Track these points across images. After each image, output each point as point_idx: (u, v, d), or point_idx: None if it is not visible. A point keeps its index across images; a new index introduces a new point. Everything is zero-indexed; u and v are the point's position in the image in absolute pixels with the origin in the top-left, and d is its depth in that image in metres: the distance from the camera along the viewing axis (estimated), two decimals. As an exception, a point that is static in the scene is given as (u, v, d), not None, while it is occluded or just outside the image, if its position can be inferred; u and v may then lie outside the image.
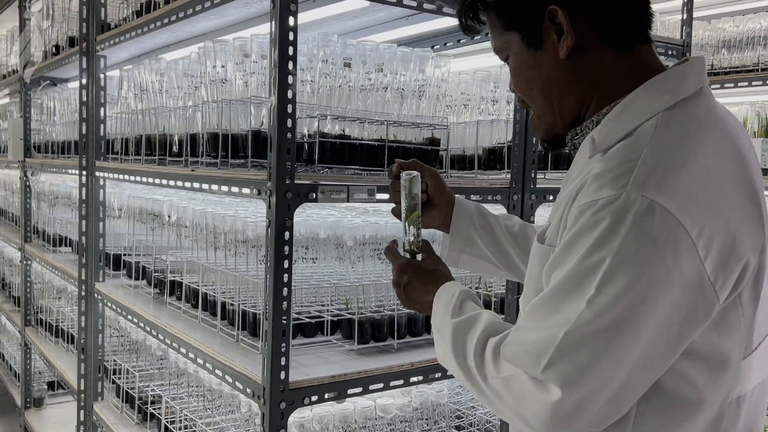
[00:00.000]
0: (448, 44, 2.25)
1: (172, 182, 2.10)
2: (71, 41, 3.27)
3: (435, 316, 1.18)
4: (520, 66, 1.09)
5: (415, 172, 1.33)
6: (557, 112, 1.09)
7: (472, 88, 2.32)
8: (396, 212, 1.42)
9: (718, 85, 3.24)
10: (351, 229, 1.99)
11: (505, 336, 1.00)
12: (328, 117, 1.80)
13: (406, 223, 1.33)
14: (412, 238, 1.32)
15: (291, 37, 1.55)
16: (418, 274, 1.27)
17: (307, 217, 2.09)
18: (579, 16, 1.01)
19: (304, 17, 1.91)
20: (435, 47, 2.29)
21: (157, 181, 2.20)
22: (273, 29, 1.56)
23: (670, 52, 2.38)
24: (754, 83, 3.11)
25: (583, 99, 1.06)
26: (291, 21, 1.55)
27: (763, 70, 3.20)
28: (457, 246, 1.46)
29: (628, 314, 0.87)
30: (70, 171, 3.12)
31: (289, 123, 1.57)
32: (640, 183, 0.88)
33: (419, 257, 1.31)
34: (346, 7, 1.81)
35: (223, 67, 1.95)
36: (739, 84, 3.14)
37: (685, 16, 2.44)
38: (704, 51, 3.61)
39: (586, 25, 1.02)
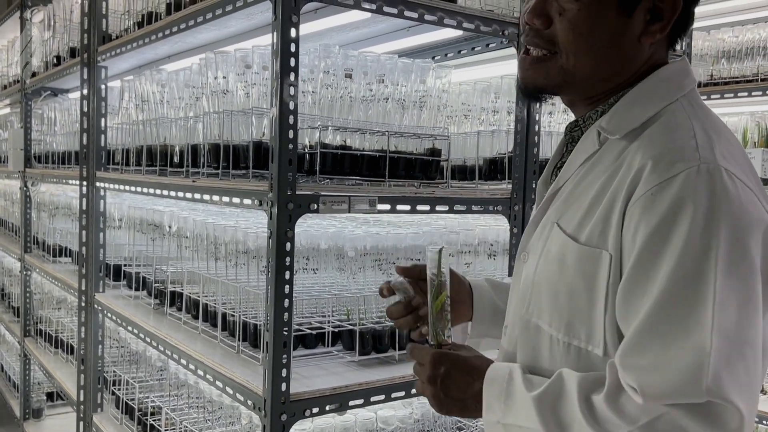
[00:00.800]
0: (449, 55, 2.26)
1: (173, 193, 2.09)
2: (72, 52, 3.28)
3: (490, 410, 1.00)
4: (586, 12, 0.96)
5: (442, 245, 1.14)
6: (584, 78, 1.00)
7: (473, 99, 2.32)
8: (391, 313, 1.27)
9: (718, 95, 3.25)
10: (352, 240, 1.99)
11: (615, 383, 0.88)
12: (330, 128, 1.80)
13: (434, 308, 1.12)
14: (442, 326, 1.12)
15: (293, 48, 1.55)
16: (458, 363, 1.07)
17: (308, 227, 2.08)
18: (674, 11, 0.98)
19: (306, 28, 1.91)
20: (436, 58, 2.29)
21: (158, 192, 2.20)
22: (275, 41, 1.56)
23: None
24: (753, 93, 3.11)
25: (614, 82, 1.01)
26: (293, 33, 1.55)
27: (762, 80, 3.20)
28: (479, 332, 1.32)
29: (754, 296, 0.84)
30: (70, 181, 3.12)
31: (291, 134, 1.57)
32: (709, 153, 0.88)
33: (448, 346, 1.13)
34: (347, 18, 1.82)
35: (224, 78, 1.95)
36: (739, 94, 3.14)
37: (685, 27, 2.44)
38: (704, 61, 3.61)
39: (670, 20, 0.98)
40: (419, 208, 1.81)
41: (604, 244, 0.93)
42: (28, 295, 4.10)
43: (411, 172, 1.89)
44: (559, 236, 1.01)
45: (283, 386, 1.58)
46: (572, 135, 1.09)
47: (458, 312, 1.27)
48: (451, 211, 1.88)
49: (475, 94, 2.31)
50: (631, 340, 0.88)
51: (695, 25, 3.09)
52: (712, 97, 3.26)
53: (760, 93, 3.07)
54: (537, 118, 2.07)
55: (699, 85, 3.52)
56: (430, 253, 1.11)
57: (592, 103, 1.05)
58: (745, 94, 3.12)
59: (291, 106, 1.57)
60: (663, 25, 0.98)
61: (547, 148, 2.20)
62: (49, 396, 4.22)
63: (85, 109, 2.84)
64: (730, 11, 3.56)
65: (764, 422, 2.73)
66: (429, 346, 1.12)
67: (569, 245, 0.98)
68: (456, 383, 1.06)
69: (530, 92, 1.06)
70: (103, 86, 2.86)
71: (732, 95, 3.17)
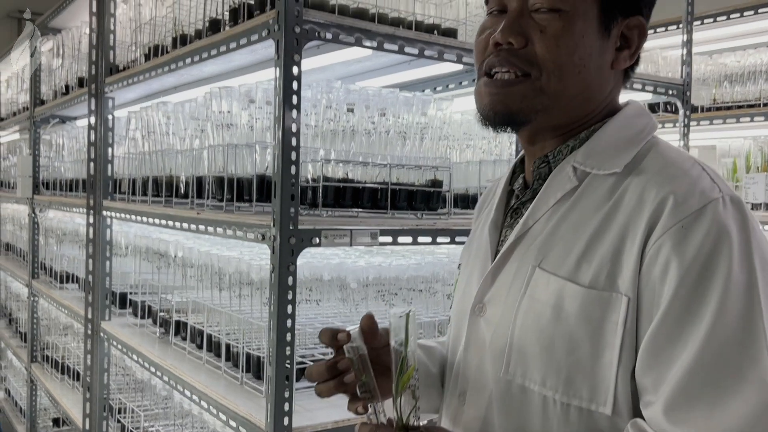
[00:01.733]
0: (450, 86, 2.29)
1: (178, 224, 2.12)
2: (80, 81, 3.33)
3: None
4: (569, 30, 0.90)
5: (409, 309, 0.95)
6: (565, 101, 0.93)
7: (474, 128, 2.35)
8: (311, 373, 1.00)
9: (721, 120, 3.26)
10: (354, 271, 2.00)
11: None
12: (332, 161, 1.82)
13: (399, 385, 0.92)
14: (408, 407, 0.92)
15: (295, 86, 1.58)
16: None
17: (311, 258, 2.10)
18: (640, 39, 0.96)
19: (310, 63, 1.95)
20: (438, 89, 2.32)
21: (164, 222, 2.23)
22: (278, 79, 1.59)
23: (670, 92, 2.41)
24: (756, 119, 3.13)
25: (587, 110, 0.95)
26: (295, 71, 1.58)
27: (765, 104, 3.22)
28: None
29: None
30: (78, 209, 3.15)
31: (293, 170, 1.60)
32: (723, 184, 0.86)
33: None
34: (350, 55, 1.85)
35: (228, 112, 1.98)
36: (741, 119, 3.16)
37: (685, 56, 2.47)
38: (706, 85, 3.63)
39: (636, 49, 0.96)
40: (420, 239, 1.82)
41: (615, 286, 0.85)
42: (35, 321, 4.12)
43: (413, 203, 1.91)
44: (550, 280, 0.90)
45: (286, 420, 1.59)
46: (539, 171, 0.99)
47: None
48: (452, 242, 1.89)
49: (476, 123, 2.33)
50: (678, 390, 0.78)
51: (698, 49, 3.09)
52: (715, 122, 3.28)
53: (763, 118, 3.09)
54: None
55: (702, 110, 3.56)
56: (394, 320, 0.93)
57: (559, 136, 0.97)
58: (748, 119, 3.13)
59: (293, 142, 1.59)
60: (632, 53, 0.95)
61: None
62: (55, 422, 4.22)
63: (93, 139, 2.88)
64: (731, 36, 3.58)
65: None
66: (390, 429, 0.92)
67: (569, 289, 0.88)
68: None
69: (501, 119, 0.94)
70: (110, 116, 2.90)
71: (734, 120, 3.19)
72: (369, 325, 0.97)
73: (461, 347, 1.02)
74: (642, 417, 0.84)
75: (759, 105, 3.26)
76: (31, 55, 4.11)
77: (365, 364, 0.95)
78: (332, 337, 0.96)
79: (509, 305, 0.95)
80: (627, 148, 0.92)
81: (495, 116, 0.94)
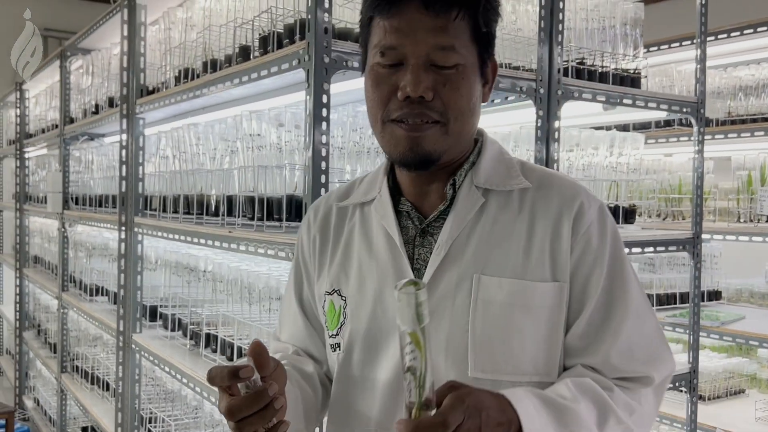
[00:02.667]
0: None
1: (210, 242, 2.21)
2: (110, 101, 3.45)
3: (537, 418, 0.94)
4: (466, 82, 1.03)
5: (412, 278, 0.93)
6: (463, 139, 1.06)
7: (493, 146, 2.42)
8: (240, 408, 0.91)
9: (735, 134, 3.31)
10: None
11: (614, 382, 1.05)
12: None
13: (423, 367, 0.86)
14: (427, 384, 0.87)
15: (324, 113, 1.68)
16: (478, 394, 0.91)
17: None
18: (494, 76, 1.12)
19: (336, 87, 2.03)
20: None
21: (196, 240, 2.32)
22: (307, 104, 1.68)
23: (684, 109, 2.47)
24: (770, 132, 3.18)
25: (470, 142, 1.11)
26: (324, 98, 1.67)
27: (772, 119, 3.27)
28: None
29: None
30: (109, 225, 3.26)
31: (322, 191, 1.68)
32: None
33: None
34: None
35: (258, 134, 2.08)
36: (756, 133, 3.21)
37: (698, 74, 2.53)
38: (721, 98, 3.69)
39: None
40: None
41: (555, 276, 1.04)
42: (64, 332, 4.24)
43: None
44: (501, 283, 1.02)
45: (317, 431, 1.67)
46: (454, 187, 1.09)
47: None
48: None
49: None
50: (625, 341, 1.05)
51: (714, 62, 3.14)
52: (729, 135, 3.32)
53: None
54: (556, 158, 2.14)
55: (717, 123, 3.61)
56: (408, 297, 0.85)
57: (449, 165, 1.09)
58: (762, 133, 3.18)
59: (322, 165, 1.68)
60: (489, 87, 1.10)
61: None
62: (84, 431, 4.34)
63: (124, 158, 2.99)
64: (746, 50, 3.63)
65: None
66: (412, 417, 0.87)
67: (521, 286, 1.02)
68: (491, 412, 0.90)
69: (423, 161, 1.04)
70: (141, 136, 3.01)
71: (749, 134, 3.23)
72: (260, 353, 0.92)
73: (394, 364, 1.05)
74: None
75: (765, 119, 3.31)
76: (62, 74, 4.24)
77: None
78: (233, 374, 0.89)
79: (459, 313, 1.04)
80: (510, 168, 1.11)
81: (419, 160, 1.04)
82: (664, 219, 3.68)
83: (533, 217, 1.06)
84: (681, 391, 2.54)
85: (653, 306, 3.49)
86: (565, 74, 2.19)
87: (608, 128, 3.13)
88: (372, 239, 1.12)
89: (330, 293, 1.15)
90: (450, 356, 1.04)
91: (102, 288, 3.74)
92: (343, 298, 1.13)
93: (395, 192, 1.14)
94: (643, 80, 2.49)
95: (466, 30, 1.02)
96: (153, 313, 3.01)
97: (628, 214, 2.44)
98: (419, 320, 0.86)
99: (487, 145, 1.13)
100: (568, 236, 1.04)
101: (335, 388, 1.17)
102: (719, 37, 3.25)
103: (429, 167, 1.06)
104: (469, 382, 0.97)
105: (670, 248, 2.42)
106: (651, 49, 3.57)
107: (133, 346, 2.94)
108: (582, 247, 1.05)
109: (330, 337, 1.15)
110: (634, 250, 2.31)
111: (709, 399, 3.47)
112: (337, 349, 1.13)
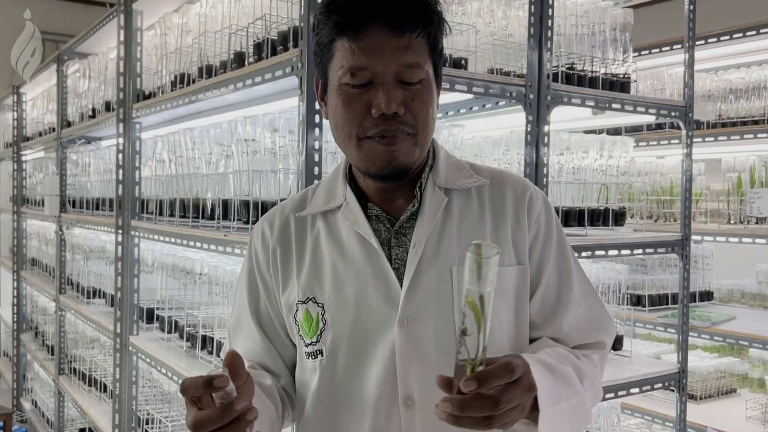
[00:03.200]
0: (461, 111, 2.40)
1: (205, 245, 2.24)
2: (107, 105, 3.48)
3: (546, 397, 1.00)
4: (430, 95, 1.10)
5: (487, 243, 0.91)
6: (425, 149, 1.13)
7: (485, 150, 2.46)
8: (212, 419, 0.91)
9: (725, 137, 3.36)
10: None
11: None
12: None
13: (480, 326, 0.89)
14: (482, 345, 0.90)
15: (317, 119, 1.71)
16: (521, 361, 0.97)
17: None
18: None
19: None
20: (449, 113, 2.44)
21: (191, 243, 2.36)
22: (300, 111, 1.72)
23: (673, 113, 2.51)
24: (759, 135, 3.22)
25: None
26: (316, 105, 1.71)
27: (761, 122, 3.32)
28: None
29: None
30: (106, 228, 3.29)
31: (316, 196, 1.72)
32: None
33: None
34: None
35: (253, 139, 2.11)
36: (745, 136, 3.25)
37: (686, 79, 2.57)
38: (711, 101, 3.73)
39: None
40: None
41: (520, 260, 1.16)
42: (62, 334, 4.26)
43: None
44: None
45: None
46: (420, 187, 1.16)
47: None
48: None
49: (486, 145, 2.45)
50: (579, 312, 1.19)
51: (705, 66, 3.18)
52: (719, 138, 3.37)
53: (766, 134, 3.17)
54: (545, 161, 2.17)
55: (708, 126, 3.66)
56: (483, 260, 0.88)
57: (413, 172, 1.15)
58: (751, 136, 3.22)
59: (315, 170, 1.72)
60: (439, 94, 1.15)
61: (556, 192, 2.33)
62: (82, 432, 4.37)
63: (121, 162, 3.02)
64: (736, 53, 3.67)
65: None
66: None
67: (499, 272, 1.02)
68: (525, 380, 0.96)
69: (400, 173, 1.10)
70: (137, 140, 3.04)
71: (738, 137, 3.28)
72: (235, 363, 0.93)
73: (383, 361, 1.10)
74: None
75: (763, 121, 3.35)
76: (58, 78, 4.27)
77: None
78: (207, 384, 0.89)
79: (443, 304, 1.11)
80: (461, 169, 1.21)
81: (396, 172, 1.10)
82: (656, 221, 3.72)
83: (494, 210, 1.17)
84: (671, 390, 2.57)
85: (645, 307, 3.56)
86: (555, 79, 2.23)
87: (601, 132, 3.18)
88: (344, 245, 1.15)
89: (304, 302, 1.16)
90: (440, 346, 1.10)
91: (99, 290, 3.77)
92: (320, 305, 1.14)
93: (360, 198, 1.18)
94: (632, 84, 2.53)
95: (425, 47, 1.09)
96: (150, 316, 3.04)
97: (618, 216, 2.47)
98: (487, 284, 0.90)
99: (439, 149, 1.21)
100: (524, 224, 1.17)
101: (315, 401, 1.16)
102: (709, 41, 3.29)
103: (403, 177, 1.13)
104: None
105: (659, 250, 2.46)
106: (642, 53, 3.61)
107: (130, 348, 2.97)
108: (534, 232, 1.18)
109: (308, 345, 1.16)
110: (624, 252, 2.35)
111: (700, 398, 3.51)
112: (319, 355, 1.14)
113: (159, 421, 2.82)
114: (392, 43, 1.05)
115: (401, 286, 1.11)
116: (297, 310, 1.16)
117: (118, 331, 3.04)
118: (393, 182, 1.13)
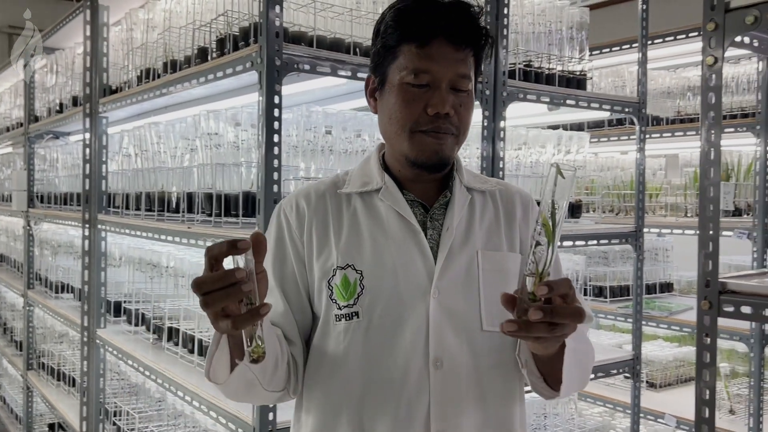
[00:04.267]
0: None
1: (170, 238, 2.28)
2: (74, 100, 3.48)
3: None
4: (472, 104, 1.28)
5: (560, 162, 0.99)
6: (459, 149, 1.32)
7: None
8: (237, 277, 0.97)
9: (681, 132, 3.46)
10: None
11: None
12: (312, 178, 2.00)
13: (551, 235, 1.00)
14: (549, 259, 1.01)
15: (276, 113, 1.76)
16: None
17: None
18: None
19: (291, 88, 2.12)
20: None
21: (156, 236, 2.39)
22: (260, 105, 1.76)
23: (626, 109, 2.60)
24: (714, 131, 3.32)
25: None
26: (276, 99, 1.75)
27: (724, 117, 3.42)
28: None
29: None
30: (73, 223, 3.30)
31: (275, 188, 1.77)
32: None
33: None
34: (327, 82, 2.02)
35: (216, 133, 2.15)
36: (700, 131, 3.34)
37: (640, 76, 2.66)
38: (670, 98, 3.84)
39: None
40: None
41: (521, 251, 1.33)
42: (30, 329, 4.25)
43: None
44: (495, 255, 1.30)
45: (271, 415, 1.75)
46: (444, 191, 1.33)
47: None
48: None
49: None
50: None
51: (664, 63, 3.27)
52: (676, 134, 3.47)
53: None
54: (502, 155, 2.25)
55: (667, 122, 3.77)
56: (563, 174, 0.99)
57: (444, 171, 1.32)
58: (706, 131, 3.32)
59: (275, 163, 1.77)
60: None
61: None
62: (51, 427, 4.35)
63: (88, 156, 3.04)
64: (693, 52, 3.78)
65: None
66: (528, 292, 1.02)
67: (511, 257, 1.31)
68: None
69: (442, 165, 1.28)
70: (104, 135, 3.06)
71: (694, 133, 3.38)
72: (261, 241, 1.00)
73: (417, 325, 1.24)
74: None
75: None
76: (26, 74, 4.25)
77: (252, 276, 0.98)
78: (231, 245, 0.96)
79: (471, 281, 1.27)
80: (476, 175, 1.40)
81: (438, 161, 1.26)
82: (616, 214, 3.82)
83: (506, 210, 1.36)
84: (626, 377, 2.67)
85: (607, 298, 3.66)
86: (513, 76, 2.30)
87: (565, 128, 3.26)
88: (383, 222, 1.30)
89: (343, 267, 1.27)
90: (466, 316, 1.26)
91: (67, 285, 3.77)
92: (359, 272, 1.26)
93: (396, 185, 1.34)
94: (589, 81, 2.62)
95: (472, 63, 1.27)
96: (117, 309, 3.06)
97: (574, 209, 2.56)
98: (562, 196, 0.98)
99: (458, 157, 1.37)
100: (526, 223, 1.36)
101: (341, 362, 1.26)
102: (666, 39, 3.39)
103: (442, 169, 1.30)
104: (482, 336, 1.25)
105: (613, 241, 2.54)
106: (602, 51, 3.70)
107: (98, 341, 2.99)
108: (532, 228, 1.32)
109: (342, 308, 1.26)
110: (579, 243, 2.43)
111: (660, 386, 3.62)
112: (354, 317, 1.25)
113: (127, 413, 2.85)
114: (452, 55, 1.22)
115: (435, 262, 1.26)
116: (334, 275, 1.27)
117: (86, 324, 3.06)
118: (433, 173, 1.29)
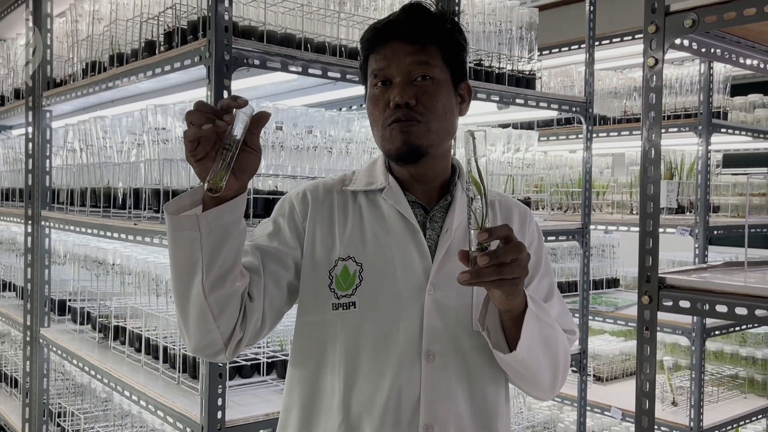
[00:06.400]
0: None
1: (116, 235, 2.23)
2: (17, 93, 3.38)
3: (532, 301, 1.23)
4: (440, 91, 1.30)
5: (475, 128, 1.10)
6: (441, 137, 1.32)
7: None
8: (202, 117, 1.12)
9: (627, 132, 3.55)
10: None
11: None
12: (261, 175, 1.98)
13: (482, 190, 1.10)
14: (486, 211, 1.10)
15: (225, 108, 1.73)
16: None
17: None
18: (470, 96, 1.41)
19: (241, 83, 2.10)
20: (363, 105, 2.50)
21: (102, 233, 2.33)
22: (209, 100, 1.73)
23: (574, 109, 2.65)
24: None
25: (447, 146, 1.38)
26: (225, 94, 1.73)
27: (667, 117, 3.52)
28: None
29: None
30: (15, 219, 3.21)
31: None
32: None
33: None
34: (278, 77, 2.01)
35: (164, 128, 2.11)
36: (645, 131, 3.43)
37: (587, 76, 2.72)
38: (617, 98, 3.93)
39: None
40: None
41: None
42: (-30, 329, 4.11)
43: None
44: None
45: (219, 414, 1.74)
46: (445, 193, 1.39)
47: (246, 161, 1.17)
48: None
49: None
50: (560, 308, 1.42)
51: (612, 64, 3.34)
52: (622, 133, 3.56)
53: (663, 130, 3.37)
54: (453, 153, 2.26)
55: (614, 121, 3.85)
56: (475, 135, 1.10)
57: (441, 163, 1.36)
58: (651, 131, 3.41)
59: (224, 159, 1.74)
60: (466, 105, 1.38)
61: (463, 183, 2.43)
62: (-8, 430, 4.22)
63: (30, 151, 2.95)
64: (639, 53, 3.87)
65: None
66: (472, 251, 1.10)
67: None
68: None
69: (414, 153, 1.29)
70: (48, 129, 2.97)
71: (639, 132, 3.47)
72: (264, 117, 1.16)
73: (411, 319, 1.29)
74: None
75: (663, 118, 3.55)
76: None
77: (242, 133, 1.11)
78: (233, 98, 1.11)
79: (452, 283, 1.28)
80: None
81: (407, 149, 1.29)
82: (565, 211, 3.90)
83: (504, 220, 1.40)
84: (573, 371, 2.72)
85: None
86: (463, 74, 2.31)
87: (516, 127, 3.31)
88: (385, 220, 1.35)
89: (344, 259, 1.32)
90: (458, 313, 1.31)
91: (9, 283, 3.66)
92: (359, 264, 1.32)
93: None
94: (538, 81, 2.66)
95: (437, 54, 1.31)
96: (62, 307, 2.98)
97: (523, 207, 2.59)
98: (480, 154, 1.09)
99: (460, 164, 1.42)
100: (525, 234, 1.41)
101: (335, 350, 1.30)
102: (614, 40, 3.46)
103: (419, 159, 1.31)
104: (472, 335, 1.29)
105: (561, 238, 2.59)
106: (552, 51, 3.76)
107: (41, 340, 2.91)
108: (530, 241, 1.42)
109: (340, 297, 1.31)
110: (527, 239, 2.47)
111: (607, 380, 3.71)
112: (351, 307, 1.30)
113: (72, 413, 2.78)
114: (405, 50, 1.29)
115: (432, 261, 1.32)
116: (335, 266, 1.32)
117: (28, 323, 2.97)
118: (411, 162, 1.31)
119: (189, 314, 1.20)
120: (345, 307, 1.30)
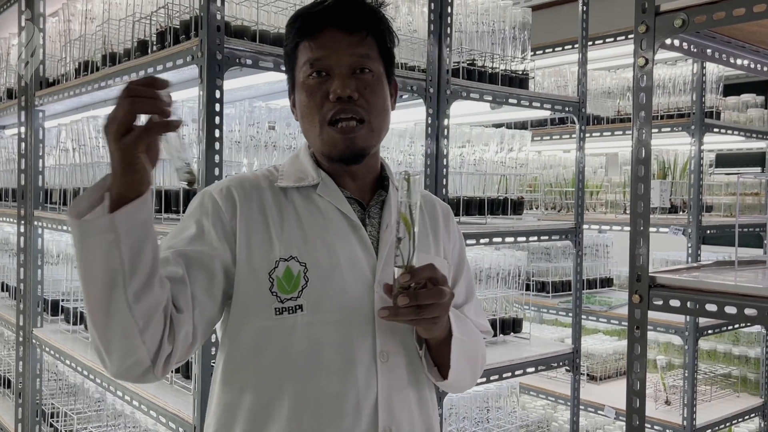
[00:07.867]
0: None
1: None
2: (9, 92, 3.37)
3: (456, 327, 1.28)
4: (380, 86, 1.27)
5: (408, 170, 1.19)
6: (379, 136, 1.29)
7: (390, 142, 2.53)
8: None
9: (621, 132, 3.56)
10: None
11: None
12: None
13: (410, 233, 1.15)
14: (413, 251, 1.16)
15: (217, 107, 1.74)
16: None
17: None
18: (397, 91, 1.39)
19: (234, 83, 2.10)
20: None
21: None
22: (201, 100, 1.74)
23: (567, 108, 2.66)
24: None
25: (383, 137, 1.34)
26: (217, 94, 1.73)
27: (660, 117, 3.53)
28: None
29: None
30: (8, 219, 3.20)
31: (217, 184, 1.75)
32: None
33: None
34: (271, 77, 2.01)
35: (156, 128, 2.11)
36: (638, 131, 3.45)
37: (580, 76, 2.73)
38: (611, 98, 3.94)
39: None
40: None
41: (446, 257, 1.40)
42: (-37, 330, 4.09)
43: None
44: (428, 258, 1.27)
45: (212, 414, 1.74)
46: (379, 187, 1.37)
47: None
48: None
49: (392, 138, 2.53)
50: (477, 306, 1.47)
51: (605, 64, 3.33)
52: (615, 132, 3.57)
53: (656, 130, 3.39)
54: (445, 152, 2.27)
55: (607, 121, 3.87)
56: (407, 182, 1.16)
57: (373, 156, 1.33)
58: (644, 131, 3.42)
59: (216, 159, 1.75)
60: (394, 100, 1.35)
61: (458, 183, 2.44)
62: (-15, 431, 4.21)
63: (23, 151, 2.94)
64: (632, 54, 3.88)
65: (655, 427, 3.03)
66: (397, 281, 1.14)
67: (438, 261, 1.31)
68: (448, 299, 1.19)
69: (358, 156, 1.27)
70: (40, 129, 2.96)
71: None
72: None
73: (363, 318, 1.25)
74: None
75: (657, 117, 3.57)
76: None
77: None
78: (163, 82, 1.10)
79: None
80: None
81: (352, 154, 1.26)
82: (558, 211, 3.91)
83: (430, 217, 1.40)
84: (567, 370, 2.73)
85: (549, 293, 3.74)
86: (457, 75, 2.32)
87: (509, 126, 3.32)
88: (324, 216, 1.28)
89: (286, 259, 1.23)
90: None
91: (2, 284, 3.65)
92: (302, 264, 1.23)
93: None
94: (531, 81, 2.66)
95: (374, 46, 1.27)
96: (55, 308, 2.98)
97: (516, 206, 2.60)
98: (413, 197, 1.15)
99: (386, 163, 1.41)
100: (448, 234, 1.42)
101: (284, 355, 1.21)
102: (606, 40, 3.48)
103: (361, 161, 1.29)
104: (413, 335, 1.28)
105: (554, 237, 2.60)
106: (546, 51, 3.77)
107: (34, 341, 2.90)
108: (453, 241, 1.44)
109: (284, 300, 1.21)
110: (520, 239, 2.48)
111: (600, 379, 3.72)
112: (299, 310, 1.22)
113: (65, 414, 2.77)
114: (345, 40, 1.24)
115: (377, 257, 1.28)
116: (276, 267, 1.22)
117: (21, 323, 2.96)
118: (351, 164, 1.28)
119: (111, 334, 1.06)
120: (291, 311, 1.21)
